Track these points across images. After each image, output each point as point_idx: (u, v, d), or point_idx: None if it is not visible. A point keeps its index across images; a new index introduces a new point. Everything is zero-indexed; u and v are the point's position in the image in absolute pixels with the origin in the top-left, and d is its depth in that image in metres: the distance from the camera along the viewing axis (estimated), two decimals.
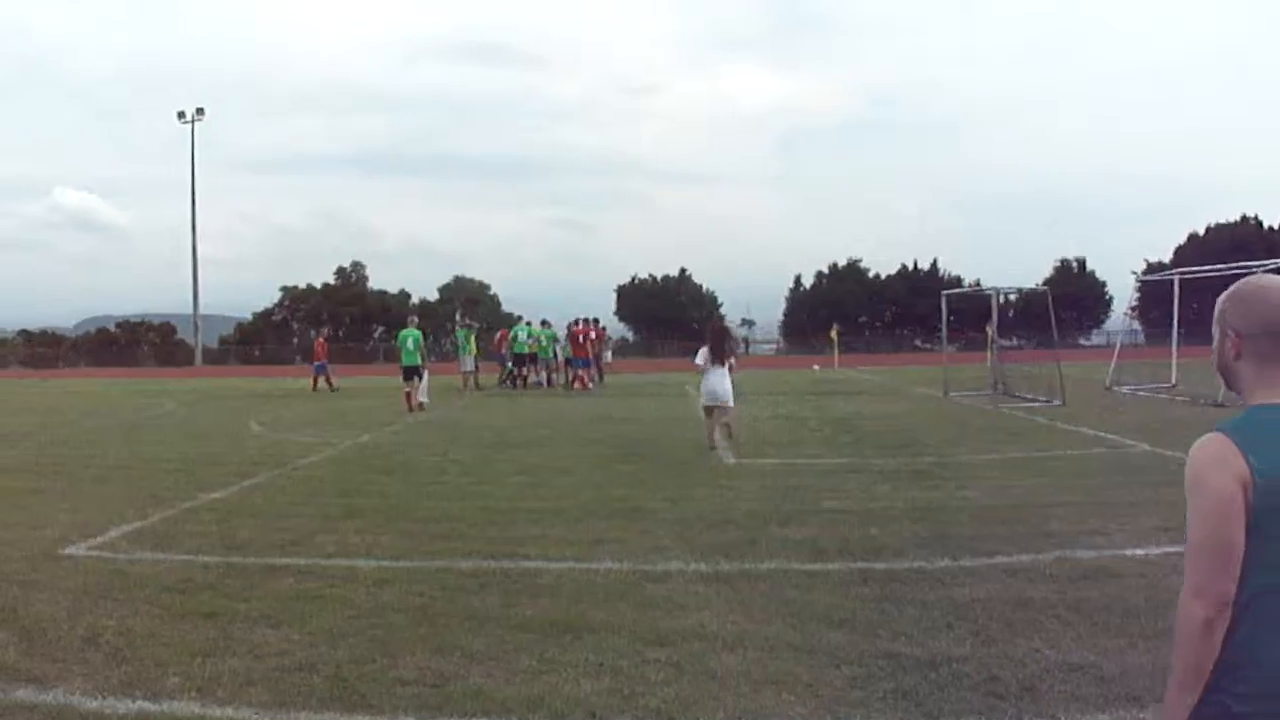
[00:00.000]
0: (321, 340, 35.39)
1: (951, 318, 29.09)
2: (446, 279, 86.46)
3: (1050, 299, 24.65)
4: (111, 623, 6.30)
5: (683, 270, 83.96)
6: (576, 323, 32.42)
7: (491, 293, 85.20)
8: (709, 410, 15.42)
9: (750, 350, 75.13)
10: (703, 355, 15.41)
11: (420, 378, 24.40)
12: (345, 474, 12.97)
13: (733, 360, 15.48)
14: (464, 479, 12.26)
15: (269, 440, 17.58)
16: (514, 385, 32.04)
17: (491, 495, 10.93)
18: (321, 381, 33.10)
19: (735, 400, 15.53)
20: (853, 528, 8.79)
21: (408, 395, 24.13)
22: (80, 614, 6.49)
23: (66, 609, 6.62)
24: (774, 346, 78.93)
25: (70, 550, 8.45)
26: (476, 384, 31.39)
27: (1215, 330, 2.45)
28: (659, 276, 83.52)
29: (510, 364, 32.73)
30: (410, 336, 24.95)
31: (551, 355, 32.57)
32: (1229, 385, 2.47)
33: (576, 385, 31.01)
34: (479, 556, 7.95)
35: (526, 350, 32.25)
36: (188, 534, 9.06)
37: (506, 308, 77.42)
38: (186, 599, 6.83)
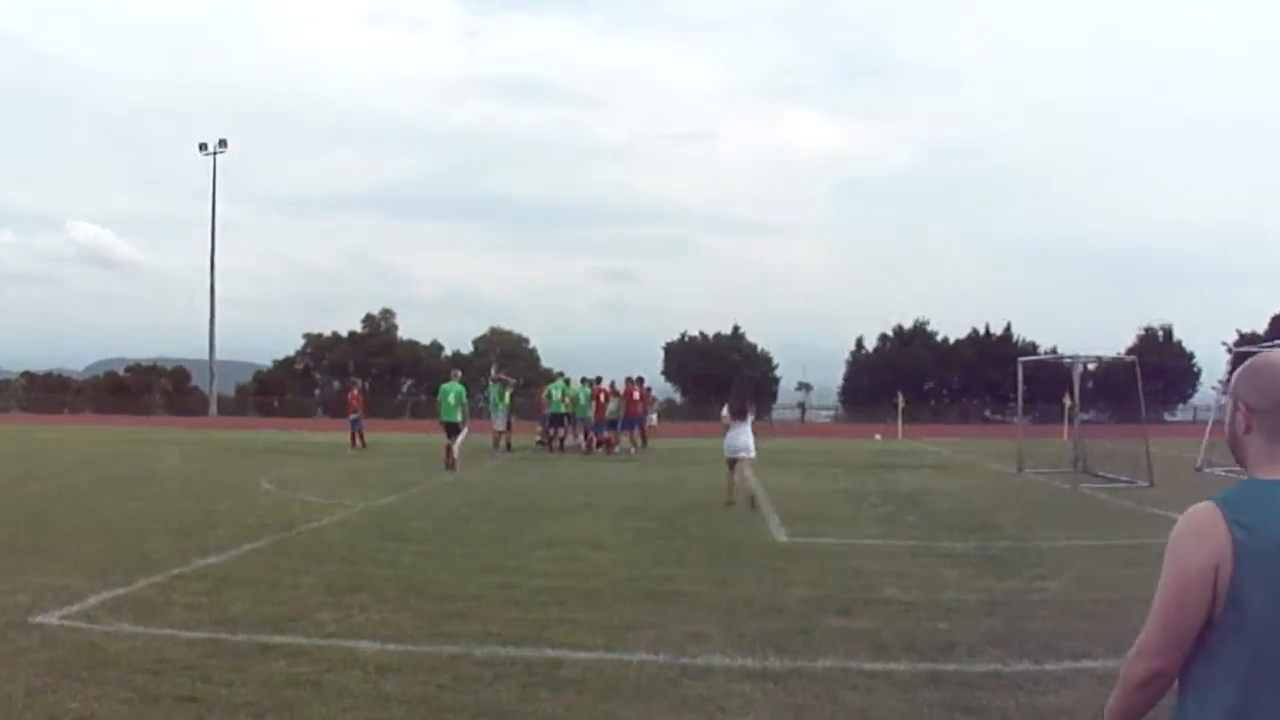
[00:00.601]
0: (356, 392, 35.39)
1: (1025, 387, 28.43)
2: (482, 330, 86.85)
3: (1139, 369, 24.06)
4: (75, 705, 6.00)
5: (735, 328, 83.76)
6: (599, 381, 32.59)
7: (530, 346, 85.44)
8: (730, 463, 17.81)
9: (806, 417, 74.61)
10: (727, 412, 18.00)
11: (460, 434, 24.86)
12: (356, 540, 12.79)
13: (752, 415, 18.22)
14: (486, 550, 12.03)
15: (278, 500, 17.45)
16: (549, 447, 31.86)
17: (515, 570, 10.68)
18: (357, 436, 33.18)
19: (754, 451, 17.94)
20: (920, 621, 8.48)
21: (448, 450, 24.50)
22: (40, 694, 6.20)
23: (25, 687, 6.33)
24: (832, 413, 78.21)
25: (41, 619, 8.21)
26: (509, 445, 31.29)
27: (1228, 403, 2.64)
28: (710, 334, 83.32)
29: (548, 424, 32.72)
30: (452, 391, 25.47)
31: (588, 416, 32.38)
32: (1238, 459, 2.62)
33: (598, 448, 31.29)
34: (496, 641, 7.66)
35: (562, 410, 32.19)
36: (174, 604, 8.81)
37: (545, 363, 77.62)
38: (162, 681, 6.53)
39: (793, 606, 8.99)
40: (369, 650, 7.35)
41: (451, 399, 25.32)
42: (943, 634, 8.02)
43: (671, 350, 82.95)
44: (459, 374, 27.01)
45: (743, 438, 17.72)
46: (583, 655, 7.34)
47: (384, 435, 36.46)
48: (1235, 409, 2.60)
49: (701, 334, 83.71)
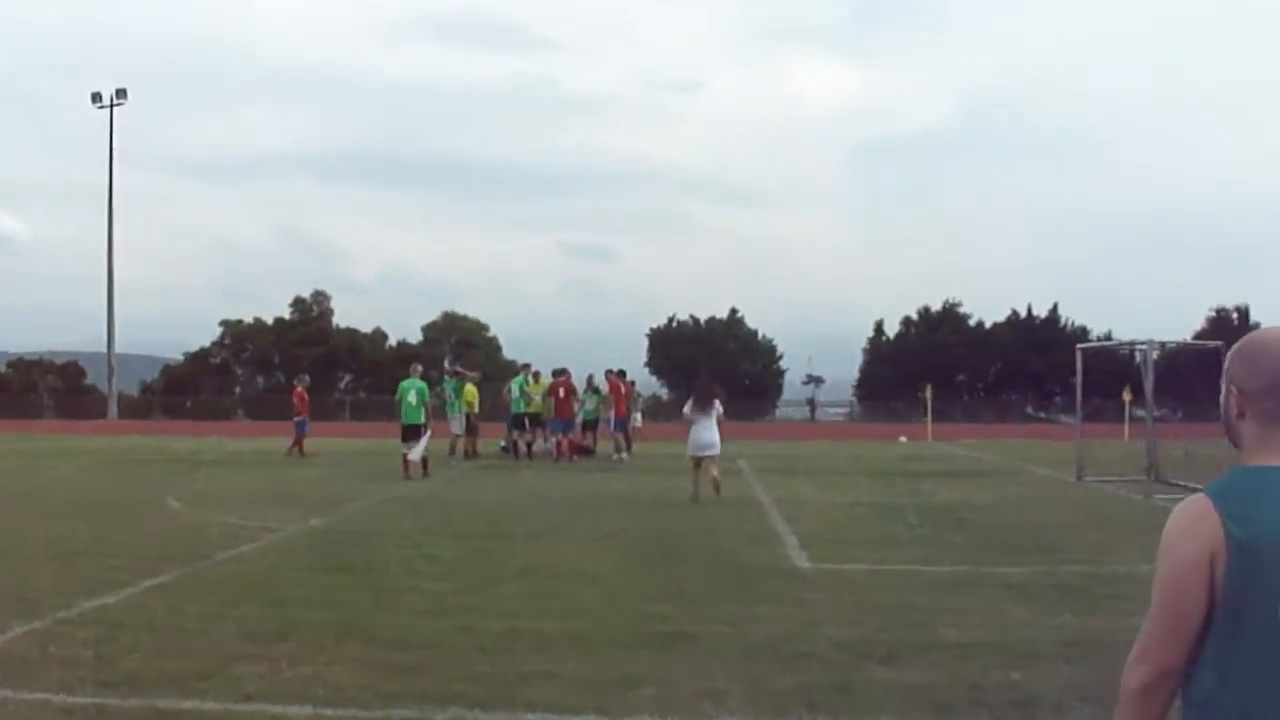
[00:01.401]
0: (301, 390, 35.04)
1: (1073, 380, 28.19)
2: (433, 315, 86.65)
3: (1223, 357, 23.69)
4: None
5: (733, 312, 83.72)
6: (561, 374, 32.51)
7: (490, 334, 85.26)
8: (696, 461, 20.05)
9: (816, 415, 74.66)
10: (690, 407, 20.34)
11: (422, 439, 25.40)
12: (285, 573, 12.46)
13: (719, 411, 20.27)
14: (444, 584, 11.70)
15: (189, 522, 17.15)
16: (514, 454, 31.77)
17: (481, 609, 10.34)
18: (294, 442, 33.04)
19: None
20: (987, 669, 8.20)
21: (406, 460, 25.07)
22: None
23: None
24: (846, 411, 78.09)
25: None
26: (470, 451, 31.22)
27: (1222, 385, 2.78)
28: (702, 319, 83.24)
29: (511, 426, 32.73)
30: (414, 389, 25.93)
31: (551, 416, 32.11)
32: (1233, 443, 2.77)
33: (575, 455, 31.28)
34: (460, 703, 7.32)
35: (524, 409, 32.09)
36: (54, 660, 8.37)
37: (508, 353, 77.37)
38: None
39: (825, 652, 8.69)
40: (300, 716, 7.04)
41: (413, 398, 25.70)
42: (1016, 686, 7.77)
43: (657, 338, 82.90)
44: (419, 368, 27.19)
45: (707, 434, 19.88)
46: None
47: (320, 440, 36.10)
48: (1228, 391, 2.76)
49: (693, 319, 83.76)
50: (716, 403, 20.42)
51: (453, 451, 30.12)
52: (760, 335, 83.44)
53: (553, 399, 31.71)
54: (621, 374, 34.03)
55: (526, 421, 32.12)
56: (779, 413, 77.24)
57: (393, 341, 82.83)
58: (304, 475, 26.18)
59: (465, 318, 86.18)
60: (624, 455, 31.28)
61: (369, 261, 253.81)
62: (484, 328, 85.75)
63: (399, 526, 16.55)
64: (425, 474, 24.94)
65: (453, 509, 19.00)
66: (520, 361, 38.11)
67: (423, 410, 25.67)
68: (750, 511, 18.60)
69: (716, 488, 19.57)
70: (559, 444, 31.35)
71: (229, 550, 13.98)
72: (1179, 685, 2.63)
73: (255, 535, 15.36)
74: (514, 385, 32.45)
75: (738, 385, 73.43)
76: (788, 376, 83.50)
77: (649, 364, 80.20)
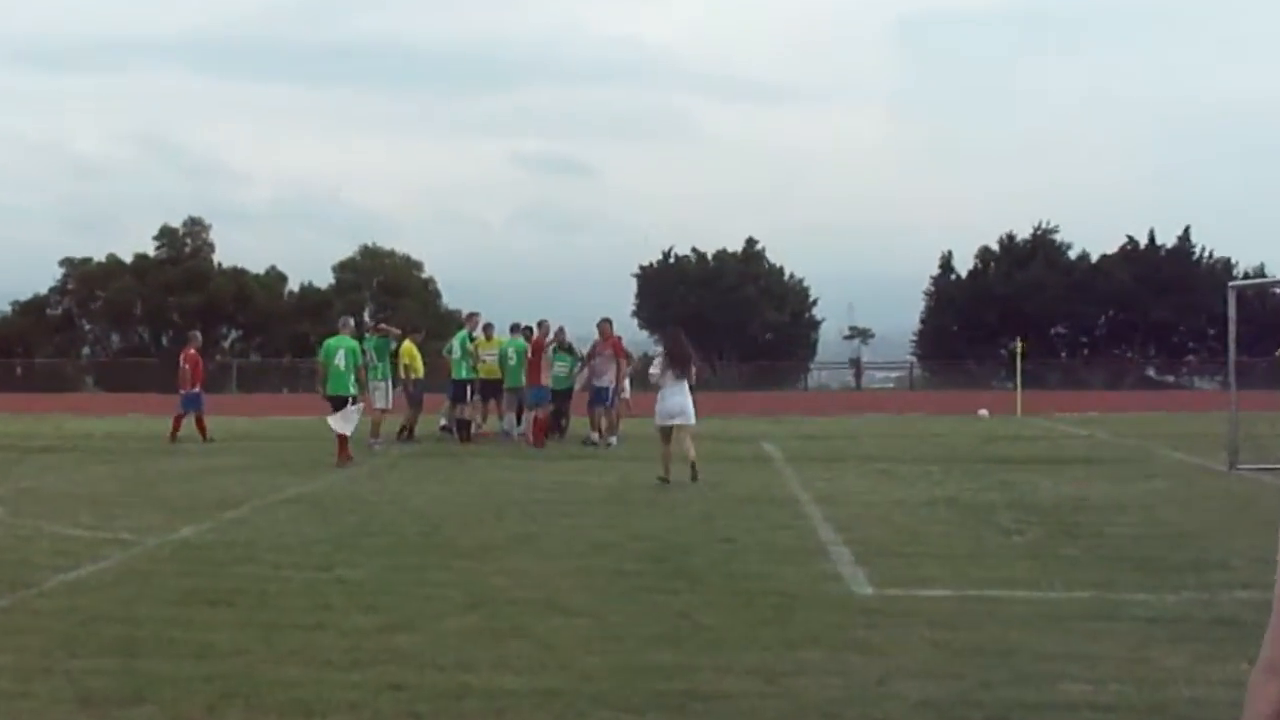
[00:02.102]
0: (193, 352, 34.41)
1: (1212, 331, 27.91)
2: (349, 251, 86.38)
3: None
4: None
5: (750, 243, 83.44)
6: (537, 328, 32.21)
7: (424, 276, 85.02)
8: (666, 434, 21.64)
9: (862, 381, 74.29)
10: (659, 366, 21.94)
11: (349, 410, 26.57)
12: (141, 607, 12.12)
13: (694, 371, 22.05)
14: (363, 620, 11.43)
15: (8, 535, 16.90)
16: (457, 434, 31.76)
17: (414, 657, 10.06)
18: (189, 422, 32.64)
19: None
20: None
21: (342, 440, 26.14)
22: None
23: None
24: (903, 375, 77.63)
25: None
26: (409, 432, 31.61)
27: None
28: (709, 253, 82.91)
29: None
30: (342, 349, 26.99)
31: (520, 383, 31.64)
32: None
33: (528, 438, 30.97)
34: None
35: (467, 376, 31.93)
36: None
37: (450, 301, 77.08)
38: None
39: (902, 718, 8.46)
40: None
41: (341, 361, 26.64)
42: None
43: (648, 280, 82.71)
44: (351, 323, 28.10)
45: (678, 399, 21.61)
46: None
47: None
48: None
49: (695, 254, 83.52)
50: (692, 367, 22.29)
51: (375, 433, 30.04)
52: (787, 275, 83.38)
53: (529, 362, 31.27)
54: (609, 323, 33.19)
55: (469, 390, 31.89)
56: (812, 379, 77.00)
57: (293, 286, 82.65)
58: (174, 468, 25.94)
59: (392, 254, 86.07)
60: (612, 440, 30.94)
61: (261, 181, 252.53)
62: (416, 267, 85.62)
63: (302, 538, 16.28)
64: (341, 460, 25.60)
65: (376, 513, 18.75)
66: (465, 311, 37.68)
67: (352, 375, 26.65)
68: (784, 514, 18.39)
69: (694, 472, 21.35)
70: (537, 421, 30.94)
71: (63, 574, 13.66)
72: None
73: (101, 552, 15.08)
74: (455, 343, 32.47)
75: (757, 342, 73.17)
76: (823, 330, 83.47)
77: (637, 313, 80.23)
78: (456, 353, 31.98)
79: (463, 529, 17.10)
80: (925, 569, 13.92)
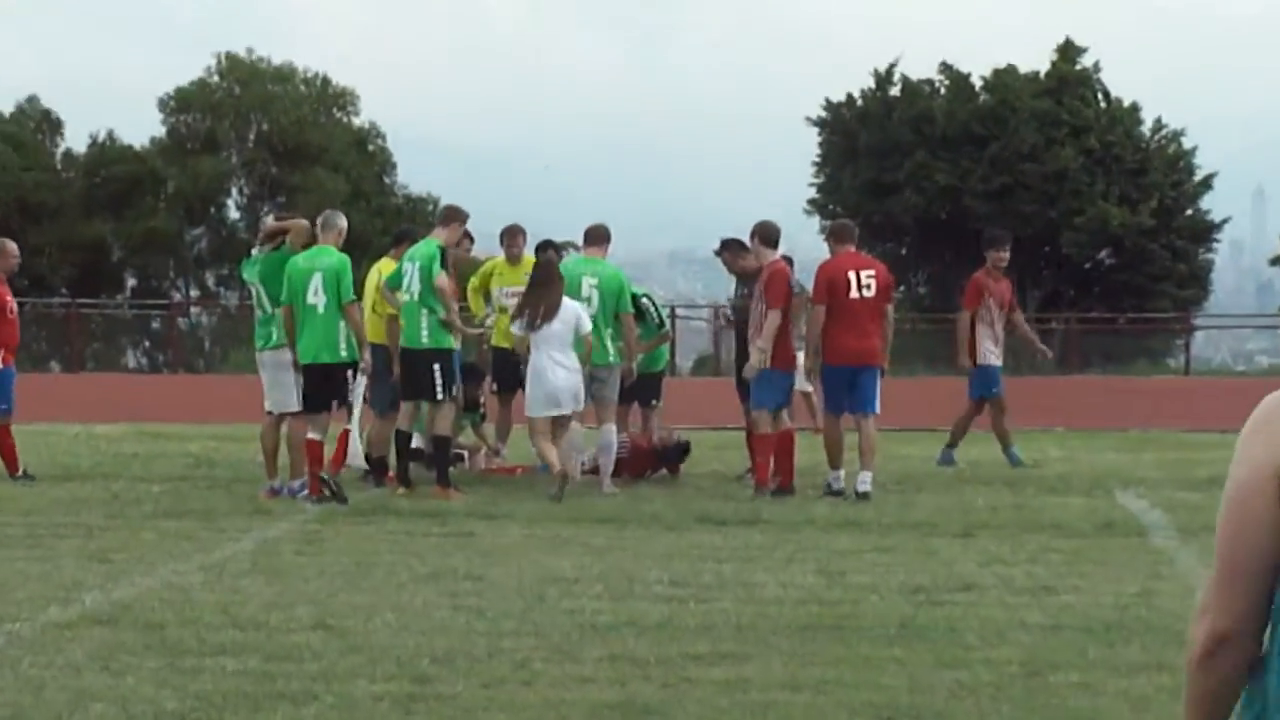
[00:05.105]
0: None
1: None
2: (201, 68, 62.61)
3: None
4: None
5: (1067, 54, 52.14)
6: (513, 237, 18.11)
7: (366, 126, 62.58)
8: (541, 428, 15.19)
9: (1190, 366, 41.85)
10: (518, 322, 15.40)
11: (350, 410, 17.00)
12: None
13: (584, 325, 15.13)
14: None
15: None
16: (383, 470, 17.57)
17: None
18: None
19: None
20: None
21: (312, 452, 15.76)
22: None
23: None
24: None
25: None
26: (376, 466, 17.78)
27: None
28: (981, 73, 53.14)
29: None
30: (321, 266, 15.84)
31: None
32: None
33: (490, 463, 18.58)
34: None
35: (423, 344, 16.87)
36: None
37: (406, 181, 58.22)
38: None
39: None
40: None
41: (319, 300, 15.51)
42: None
43: (836, 123, 55.93)
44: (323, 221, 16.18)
45: (557, 374, 15.07)
46: None
47: None
48: None
49: (946, 71, 56.14)
50: (577, 308, 15.22)
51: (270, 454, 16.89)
52: (1146, 123, 53.15)
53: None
54: (740, 245, 17.52)
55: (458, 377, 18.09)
56: (1198, 345, 42.81)
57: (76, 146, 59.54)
58: None
59: (268, 66, 61.25)
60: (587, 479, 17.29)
61: None
62: (350, 98, 62.97)
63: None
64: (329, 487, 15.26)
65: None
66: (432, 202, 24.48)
67: (342, 337, 15.70)
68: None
69: (561, 485, 14.71)
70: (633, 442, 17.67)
71: None
72: (1249, 652, 2.58)
73: None
74: (403, 263, 17.12)
75: (1078, 266, 47.56)
76: (1226, 236, 53.92)
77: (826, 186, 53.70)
78: (416, 289, 16.51)
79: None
80: None
